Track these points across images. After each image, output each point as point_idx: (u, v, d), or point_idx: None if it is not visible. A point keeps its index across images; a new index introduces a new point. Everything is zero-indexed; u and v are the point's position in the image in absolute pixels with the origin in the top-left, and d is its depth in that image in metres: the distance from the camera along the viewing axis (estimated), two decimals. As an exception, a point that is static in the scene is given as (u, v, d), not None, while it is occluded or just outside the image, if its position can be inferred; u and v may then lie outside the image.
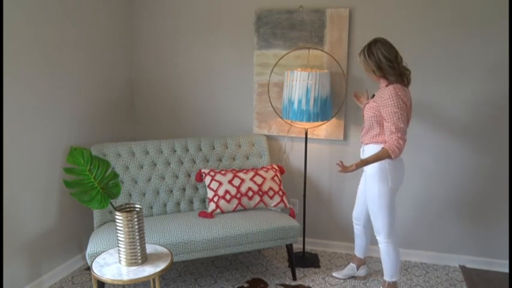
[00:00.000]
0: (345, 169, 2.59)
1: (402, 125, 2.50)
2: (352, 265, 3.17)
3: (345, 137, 3.41)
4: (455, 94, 3.14)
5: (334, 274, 3.19)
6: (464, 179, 3.24)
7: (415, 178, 3.33)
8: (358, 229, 3.07)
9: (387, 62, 2.55)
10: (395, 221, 2.76)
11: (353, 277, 3.18)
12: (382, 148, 2.53)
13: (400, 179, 2.71)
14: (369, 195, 2.74)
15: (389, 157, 2.51)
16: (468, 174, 3.23)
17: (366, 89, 3.05)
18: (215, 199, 3.11)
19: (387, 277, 2.83)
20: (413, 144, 3.27)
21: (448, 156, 3.24)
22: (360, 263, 3.17)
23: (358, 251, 3.14)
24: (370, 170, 2.68)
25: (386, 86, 2.60)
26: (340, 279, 3.16)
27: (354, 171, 2.59)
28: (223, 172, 3.22)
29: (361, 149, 2.83)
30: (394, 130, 2.50)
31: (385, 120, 2.56)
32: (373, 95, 2.73)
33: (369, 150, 2.68)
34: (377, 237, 2.79)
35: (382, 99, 2.56)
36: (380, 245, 2.79)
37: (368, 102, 2.72)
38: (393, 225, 2.74)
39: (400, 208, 3.41)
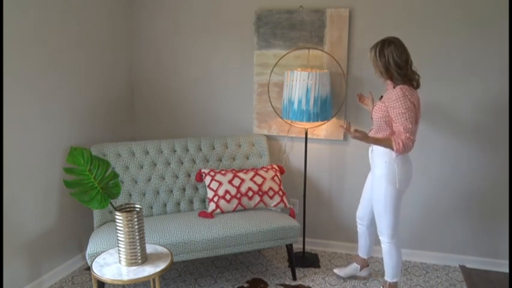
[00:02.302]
0: (348, 130, 2.60)
1: (410, 125, 2.51)
2: (356, 265, 3.16)
3: (345, 137, 3.41)
4: (461, 94, 3.14)
5: (336, 271, 3.17)
6: (467, 180, 3.24)
7: (419, 179, 3.33)
8: (361, 229, 3.05)
9: (396, 68, 2.54)
10: (399, 223, 2.75)
11: (354, 276, 3.18)
12: (389, 138, 2.56)
13: (408, 181, 2.70)
14: (376, 195, 2.73)
15: (391, 148, 2.53)
16: (471, 176, 3.23)
17: (370, 90, 3.05)
18: (215, 199, 3.11)
19: (388, 277, 2.84)
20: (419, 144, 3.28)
21: (452, 158, 3.24)
22: (364, 264, 3.16)
23: (362, 252, 3.13)
24: (379, 170, 2.68)
25: (394, 87, 2.60)
26: (341, 277, 3.15)
27: (352, 137, 2.59)
28: (223, 172, 3.22)
29: (370, 149, 2.81)
30: (402, 130, 2.52)
31: (393, 121, 2.56)
32: (381, 96, 2.73)
33: (378, 149, 2.67)
34: (380, 238, 2.79)
35: (390, 100, 2.55)
36: (383, 245, 2.79)
37: (376, 104, 2.71)
38: (397, 226, 2.74)
39: (402, 208, 3.41)
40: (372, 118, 2.74)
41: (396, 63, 2.53)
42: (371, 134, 2.77)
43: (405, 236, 3.43)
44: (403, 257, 3.41)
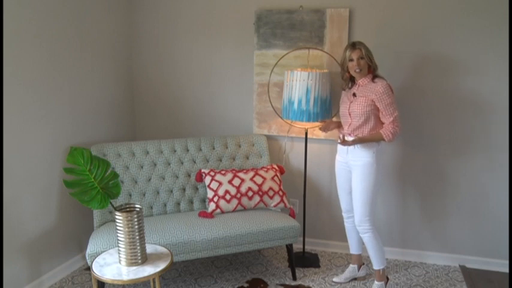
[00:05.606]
0: (344, 143, 2.78)
1: (397, 113, 2.74)
2: (353, 266, 3.16)
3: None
4: (456, 96, 3.15)
5: (335, 279, 3.15)
6: (464, 179, 3.24)
7: (419, 178, 3.33)
8: (349, 223, 3.08)
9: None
10: None
11: (354, 278, 3.17)
12: (378, 132, 2.76)
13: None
14: (364, 183, 2.80)
15: (382, 140, 2.74)
16: (468, 174, 3.23)
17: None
18: (215, 199, 3.11)
19: (378, 265, 2.93)
20: (411, 139, 3.28)
21: (452, 157, 3.24)
22: (360, 261, 3.17)
23: (354, 248, 3.14)
24: (366, 160, 2.77)
25: (373, 80, 2.76)
26: (342, 283, 3.14)
27: (350, 145, 2.79)
28: (223, 172, 3.22)
29: (350, 147, 2.83)
30: (392, 120, 2.73)
31: (381, 112, 2.75)
32: (354, 94, 2.83)
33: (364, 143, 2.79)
34: (361, 227, 2.85)
35: (378, 93, 2.71)
36: (365, 235, 2.86)
37: (353, 100, 2.81)
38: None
39: (400, 208, 3.41)
40: (349, 114, 2.83)
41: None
42: (352, 128, 2.85)
43: (405, 236, 3.43)
44: (403, 256, 3.44)
